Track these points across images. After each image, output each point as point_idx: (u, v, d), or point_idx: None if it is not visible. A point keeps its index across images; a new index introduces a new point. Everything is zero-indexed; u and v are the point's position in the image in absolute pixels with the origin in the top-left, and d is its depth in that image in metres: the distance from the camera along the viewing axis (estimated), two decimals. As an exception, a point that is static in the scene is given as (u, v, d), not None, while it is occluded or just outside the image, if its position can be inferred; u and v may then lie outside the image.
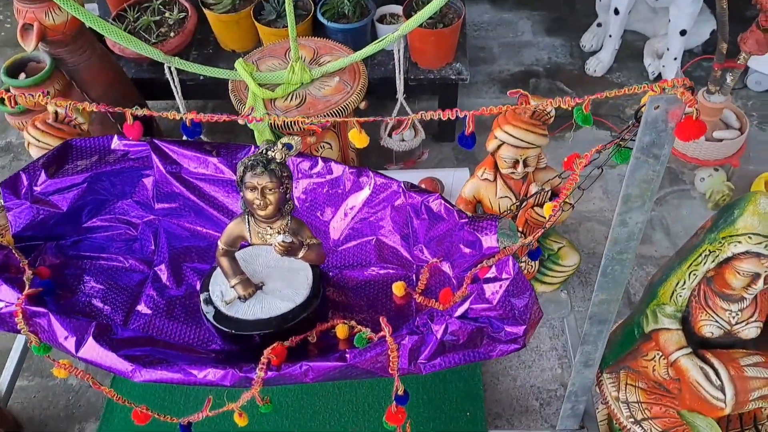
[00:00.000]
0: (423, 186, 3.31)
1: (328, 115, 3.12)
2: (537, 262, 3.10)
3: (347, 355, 1.86)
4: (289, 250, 1.97)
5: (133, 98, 3.74)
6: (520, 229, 2.86)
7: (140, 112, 1.85)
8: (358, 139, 1.85)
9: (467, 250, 2.11)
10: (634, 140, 1.53)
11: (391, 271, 2.33)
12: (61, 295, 2.24)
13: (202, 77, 3.29)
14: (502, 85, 4.51)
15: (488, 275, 1.93)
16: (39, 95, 1.97)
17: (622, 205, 1.64)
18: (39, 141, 2.72)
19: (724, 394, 2.08)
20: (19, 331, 1.99)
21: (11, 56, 3.39)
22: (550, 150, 3.74)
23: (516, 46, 4.79)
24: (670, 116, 1.43)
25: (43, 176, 2.36)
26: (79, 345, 1.92)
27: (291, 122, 2.05)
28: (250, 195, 1.90)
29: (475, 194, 2.92)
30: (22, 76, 3.31)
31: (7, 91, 3.20)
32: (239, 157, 2.40)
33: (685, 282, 2.10)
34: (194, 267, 2.39)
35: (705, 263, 2.03)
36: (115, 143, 2.45)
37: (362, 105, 3.30)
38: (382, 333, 1.91)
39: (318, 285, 2.19)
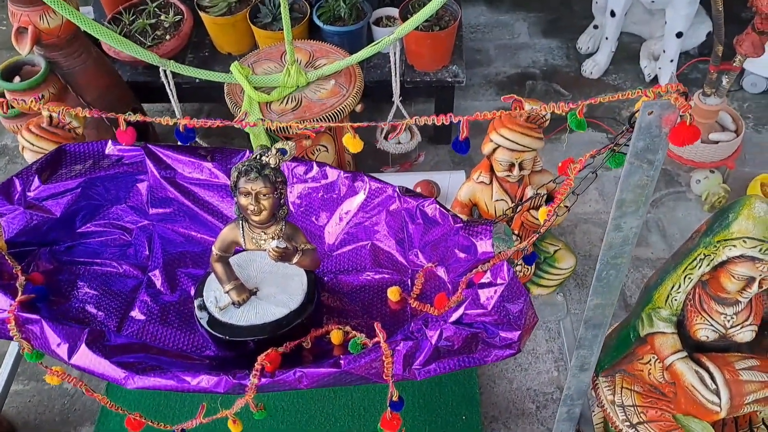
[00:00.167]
0: (419, 189, 3.32)
1: (324, 118, 3.11)
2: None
3: (341, 362, 1.85)
4: (284, 256, 1.96)
5: (128, 101, 3.74)
6: (516, 232, 2.86)
7: (133, 117, 1.84)
8: (352, 144, 1.85)
9: (462, 255, 2.11)
10: (628, 145, 1.53)
11: (386, 276, 2.32)
12: (55, 301, 2.23)
13: (197, 80, 3.28)
14: (499, 87, 4.50)
15: (483, 280, 1.93)
16: (32, 101, 1.96)
17: (616, 210, 1.63)
18: (33, 145, 2.71)
19: (720, 398, 2.08)
20: (11, 338, 1.98)
21: (6, 59, 3.39)
22: (545, 152, 3.74)
23: (512, 48, 4.79)
24: (664, 121, 1.42)
25: (36, 182, 2.36)
26: (71, 352, 1.91)
27: (285, 126, 2.04)
28: (244, 200, 1.90)
29: (471, 197, 2.91)
30: (17, 79, 3.30)
31: (2, 95, 3.21)
32: (234, 162, 2.40)
33: (680, 286, 2.09)
34: (188, 272, 2.39)
35: (700, 267, 2.02)
36: (110, 148, 2.45)
37: (358, 108, 3.30)
38: (376, 339, 1.90)
39: (313, 290, 2.18)
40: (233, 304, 2.12)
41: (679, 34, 3.99)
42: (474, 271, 1.97)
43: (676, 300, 2.12)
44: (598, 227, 3.68)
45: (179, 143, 2.07)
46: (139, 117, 1.85)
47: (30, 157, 2.72)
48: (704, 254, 2.00)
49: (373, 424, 2.86)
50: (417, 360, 1.88)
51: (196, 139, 3.46)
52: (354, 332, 2.08)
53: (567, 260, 3.03)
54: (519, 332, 1.87)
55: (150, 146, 2.42)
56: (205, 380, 1.86)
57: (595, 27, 4.60)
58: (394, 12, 3.85)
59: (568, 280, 3.21)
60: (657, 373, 2.27)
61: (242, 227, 2.00)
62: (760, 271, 1.95)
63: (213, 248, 2.08)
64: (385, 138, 3.63)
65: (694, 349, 2.19)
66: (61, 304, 2.24)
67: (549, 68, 4.62)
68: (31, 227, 2.34)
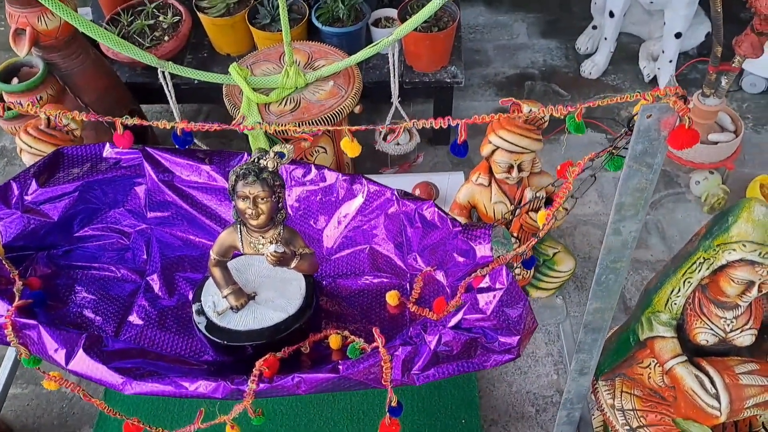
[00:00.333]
0: (418, 190, 3.31)
1: (323, 120, 3.11)
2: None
3: (340, 367, 1.84)
4: (282, 260, 1.96)
5: (127, 103, 3.73)
6: (515, 234, 2.85)
7: (131, 121, 1.83)
8: (350, 148, 1.84)
9: (461, 259, 2.10)
10: (627, 148, 1.52)
11: (384, 280, 2.31)
12: (52, 305, 2.22)
13: (196, 81, 3.27)
14: (498, 87, 4.49)
15: (482, 285, 1.92)
16: (29, 104, 1.96)
17: (615, 214, 1.63)
18: (31, 147, 2.71)
19: (719, 402, 2.07)
20: (8, 344, 1.97)
21: (4, 61, 3.38)
22: (544, 153, 3.72)
23: (511, 49, 4.78)
24: (663, 125, 1.41)
25: (34, 185, 2.34)
26: (69, 357, 1.90)
27: (283, 128, 2.03)
28: (242, 204, 1.89)
29: (470, 199, 2.90)
30: (15, 81, 3.29)
31: (0, 97, 3.20)
32: (232, 165, 2.39)
33: (679, 289, 2.08)
34: (187, 276, 2.37)
35: (699, 271, 2.01)
36: (107, 151, 2.44)
37: (357, 109, 3.29)
38: (375, 344, 1.90)
39: (311, 295, 2.17)
40: (231, 308, 2.11)
41: (678, 35, 3.99)
42: (473, 275, 1.96)
43: (675, 304, 2.11)
44: (597, 229, 3.67)
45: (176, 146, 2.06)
46: (136, 120, 1.84)
47: (28, 160, 2.71)
48: (704, 258, 1.99)
49: (372, 427, 2.86)
50: (416, 365, 1.87)
51: (195, 141, 3.45)
52: (352, 337, 2.07)
53: (566, 263, 3.02)
54: (518, 337, 1.86)
55: (148, 149, 2.41)
56: (202, 386, 1.85)
57: (594, 27, 4.59)
58: (392, 13, 3.84)
59: (568, 282, 3.20)
60: (657, 377, 2.26)
61: (240, 231, 1.99)
62: (760, 275, 1.94)
63: (211, 252, 2.07)
64: (384, 139, 3.62)
65: (693, 353, 2.18)
66: (59, 309, 2.23)
67: (548, 69, 4.61)
68: (28, 231, 2.33)
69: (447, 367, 1.89)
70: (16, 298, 2.02)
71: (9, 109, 2.05)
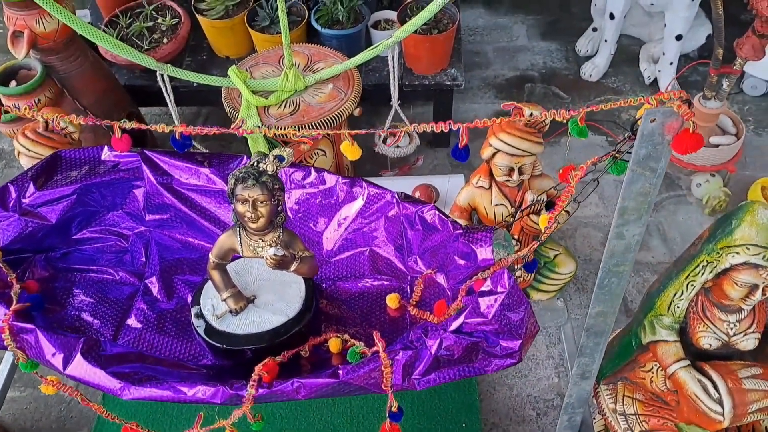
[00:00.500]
0: (418, 193, 3.30)
1: (322, 122, 3.09)
2: (533, 271, 3.08)
3: (340, 372, 1.83)
4: (281, 264, 1.94)
5: (125, 105, 3.72)
6: (516, 237, 2.83)
7: (128, 125, 1.82)
8: (350, 151, 1.83)
9: (462, 262, 2.08)
10: (630, 153, 1.51)
11: (385, 282, 2.30)
12: (50, 309, 2.21)
13: (195, 84, 3.26)
14: (498, 90, 4.48)
15: (483, 288, 1.90)
16: (25, 107, 1.94)
17: (618, 218, 1.61)
18: (29, 150, 2.70)
19: (723, 407, 2.06)
20: (6, 348, 1.96)
21: (2, 64, 3.36)
22: (545, 156, 3.71)
23: (511, 51, 4.77)
24: (667, 129, 1.40)
25: (31, 188, 2.33)
26: (66, 362, 1.89)
27: (282, 132, 2.02)
28: (241, 208, 1.87)
29: (470, 202, 2.89)
30: (13, 83, 3.28)
31: (-2, 101, 3.19)
32: (231, 168, 2.37)
33: (682, 293, 2.07)
34: (186, 279, 2.36)
35: (703, 274, 2.00)
36: (106, 154, 2.43)
37: (356, 112, 3.28)
38: (375, 348, 1.88)
39: (311, 298, 2.16)
40: (230, 312, 2.10)
41: (678, 37, 3.97)
42: (474, 278, 1.95)
43: (678, 307, 2.10)
44: (598, 231, 3.66)
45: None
46: (134, 124, 1.82)
47: (26, 163, 2.70)
48: (707, 261, 1.98)
49: (373, 431, 2.84)
50: (416, 370, 1.86)
51: (194, 144, 3.44)
52: (353, 340, 2.06)
53: (567, 265, 3.01)
54: (520, 341, 1.85)
55: (146, 152, 2.40)
56: (201, 391, 1.84)
57: (594, 29, 4.57)
58: (392, 15, 3.83)
59: (569, 285, 3.19)
60: (659, 381, 2.25)
61: (239, 234, 1.98)
62: (764, 278, 1.93)
63: (210, 255, 2.06)
64: (384, 142, 3.61)
65: (696, 356, 2.17)
66: (57, 312, 2.22)
67: (548, 71, 4.59)
68: (26, 234, 2.32)
69: (448, 372, 1.88)
70: (14, 302, 2.01)
71: (6, 112, 2.04)
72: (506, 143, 2.61)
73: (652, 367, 2.26)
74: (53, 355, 1.90)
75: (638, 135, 1.42)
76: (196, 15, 3.82)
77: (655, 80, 4.30)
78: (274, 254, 1.91)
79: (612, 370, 2.39)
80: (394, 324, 2.20)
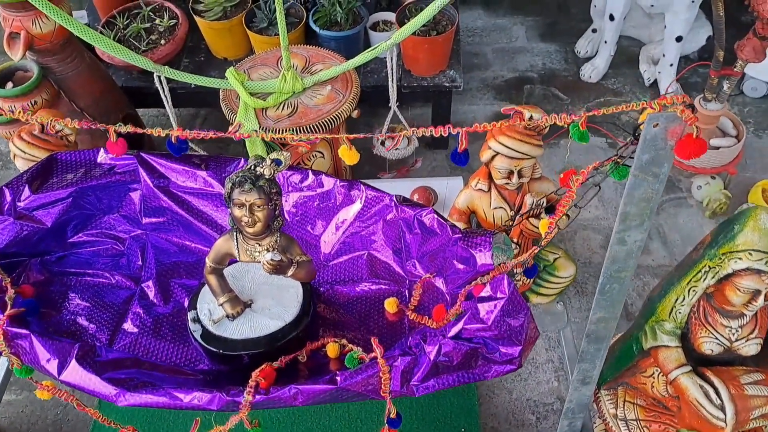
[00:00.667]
0: (416, 195, 3.28)
1: (320, 124, 3.07)
2: (532, 275, 3.06)
3: (337, 378, 1.81)
4: (278, 269, 1.92)
5: (122, 107, 3.69)
6: (515, 240, 2.82)
7: (124, 128, 1.80)
8: (348, 156, 1.81)
9: (461, 266, 2.07)
10: (632, 157, 1.49)
11: (383, 286, 2.28)
12: (45, 313, 2.19)
13: (193, 85, 3.24)
14: (496, 91, 4.46)
15: (483, 294, 1.89)
16: (19, 111, 1.92)
17: (620, 224, 1.59)
18: (25, 153, 2.68)
19: (725, 413, 2.04)
20: (0, 354, 1.94)
21: (-2, 65, 3.35)
22: (544, 158, 3.70)
23: (510, 52, 4.75)
24: (670, 134, 1.38)
25: (26, 191, 2.31)
26: (61, 368, 1.87)
27: (280, 136, 2.00)
28: (238, 212, 1.86)
29: (469, 205, 2.87)
30: (10, 85, 3.26)
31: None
32: (228, 171, 2.36)
33: (684, 298, 2.05)
34: (182, 283, 2.34)
35: (705, 279, 1.99)
36: (102, 157, 2.41)
37: (354, 114, 3.25)
38: (373, 354, 1.86)
39: (308, 302, 2.14)
40: (227, 316, 2.08)
41: (678, 39, 3.96)
42: (473, 283, 1.93)
43: (680, 313, 2.08)
44: (598, 234, 3.64)
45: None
46: (130, 128, 1.80)
47: (21, 165, 2.68)
48: (709, 266, 1.97)
49: (371, 436, 2.83)
50: (415, 376, 1.84)
51: (191, 146, 3.42)
52: (350, 345, 2.04)
53: (567, 269, 2.99)
54: (520, 348, 1.83)
55: (143, 155, 2.38)
56: (197, 397, 1.82)
57: (594, 31, 4.56)
58: (390, 16, 3.81)
59: (568, 288, 3.17)
60: (660, 387, 2.23)
61: (236, 239, 1.96)
62: (766, 284, 1.92)
63: (207, 260, 2.04)
64: (382, 144, 3.59)
65: (697, 362, 2.16)
66: (52, 317, 2.20)
67: (547, 72, 4.57)
68: (21, 238, 2.30)
69: (447, 378, 1.86)
70: (8, 307, 2.00)
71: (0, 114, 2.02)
72: (505, 146, 2.59)
73: (654, 373, 2.25)
74: (48, 360, 1.89)
75: (641, 140, 1.41)
76: (194, 16, 3.80)
77: (655, 82, 4.28)
78: (271, 259, 1.90)
79: (613, 375, 2.38)
80: (392, 328, 2.18)
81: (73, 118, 3.20)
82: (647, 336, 2.16)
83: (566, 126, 1.52)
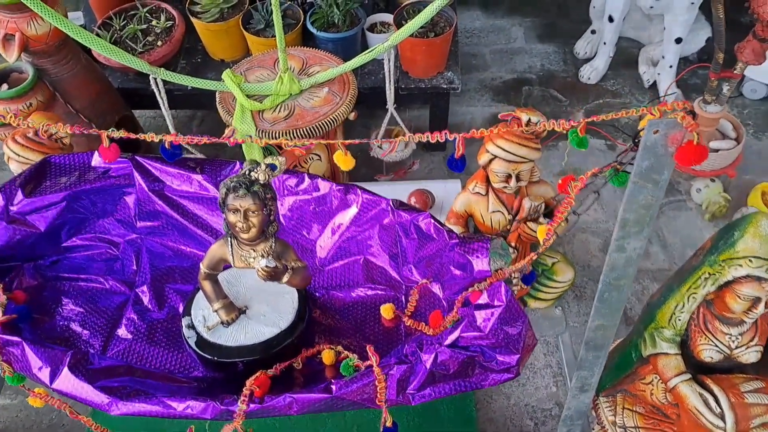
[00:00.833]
0: (413, 198, 3.26)
1: (317, 127, 3.05)
2: (530, 278, 3.04)
3: (333, 387, 1.79)
4: (273, 275, 1.90)
5: (119, 109, 3.67)
6: (513, 244, 2.79)
7: (117, 134, 1.77)
8: (343, 161, 1.79)
9: (458, 272, 2.05)
10: (631, 164, 1.47)
11: (379, 292, 2.27)
12: (38, 319, 2.17)
13: (189, 87, 3.21)
14: (495, 92, 4.44)
15: (480, 301, 1.87)
16: (11, 116, 1.90)
17: (619, 231, 1.57)
18: (19, 156, 2.66)
19: (725, 422, 2.02)
20: (-8, 361, 1.93)
21: (-7, 67, 3.32)
22: (542, 160, 3.67)
23: (508, 53, 4.72)
24: (670, 141, 1.36)
25: (19, 195, 2.29)
26: (53, 376, 1.86)
27: (275, 142, 1.98)
28: (232, 217, 1.84)
29: (467, 208, 2.84)
30: (4, 87, 3.23)
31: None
32: (224, 174, 2.34)
33: (684, 305, 2.03)
34: (177, 288, 2.33)
35: (704, 286, 1.96)
36: (96, 160, 2.39)
37: (352, 116, 3.23)
38: (369, 362, 1.84)
39: (304, 308, 2.12)
40: (222, 323, 2.06)
41: (678, 40, 3.93)
42: (470, 289, 1.91)
43: (679, 320, 2.06)
44: (596, 237, 3.61)
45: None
46: (123, 133, 1.78)
47: (16, 168, 2.65)
48: (709, 273, 1.94)
49: (368, 442, 2.80)
50: (411, 384, 1.83)
51: (188, 148, 3.39)
52: (346, 352, 2.02)
53: (566, 273, 2.97)
54: (518, 356, 1.82)
55: (138, 158, 2.36)
56: (191, 406, 1.80)
57: (593, 32, 4.53)
58: (388, 18, 3.78)
59: (567, 292, 3.15)
60: (659, 394, 2.21)
61: (231, 244, 1.94)
62: (766, 291, 1.89)
63: (201, 265, 2.02)
64: (380, 146, 3.57)
65: (697, 369, 2.13)
66: (45, 323, 2.18)
67: (546, 73, 4.55)
68: (14, 242, 2.28)
69: (443, 387, 1.84)
70: (0, 314, 1.97)
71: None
72: (503, 149, 2.57)
73: (653, 380, 2.23)
74: (40, 368, 1.87)
75: (641, 146, 1.39)
76: (191, 17, 3.78)
77: (655, 83, 4.26)
78: (266, 266, 1.87)
79: (611, 382, 2.36)
80: (388, 335, 2.17)
81: (68, 120, 3.23)
82: (646, 343, 2.14)
83: (565, 131, 1.50)
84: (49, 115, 2.97)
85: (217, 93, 3.26)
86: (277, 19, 2.91)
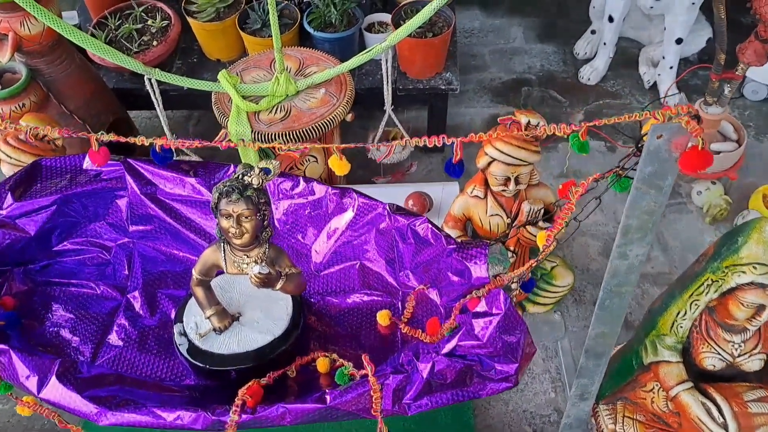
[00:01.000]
0: (411, 201, 3.22)
1: (314, 128, 3.01)
2: (529, 282, 3.00)
3: (327, 397, 1.76)
4: (266, 282, 1.86)
5: (114, 109, 3.63)
6: (512, 248, 2.76)
7: (106, 137, 1.73)
8: (338, 166, 1.75)
9: (455, 279, 2.01)
10: (634, 169, 1.43)
11: (375, 297, 2.23)
12: (28, 325, 2.13)
13: (185, 87, 3.17)
14: (494, 93, 4.40)
15: (478, 309, 1.83)
16: (-2, 118, 1.86)
17: (621, 237, 1.54)
18: (11, 158, 2.63)
19: (728, 432, 1.99)
20: (-21, 370, 1.89)
21: (-15, 67, 3.28)
22: (541, 162, 3.64)
23: (507, 54, 4.68)
24: (674, 146, 1.32)
25: (9, 199, 2.25)
26: (41, 385, 1.82)
27: (268, 145, 1.94)
28: (225, 223, 1.80)
29: (465, 212, 2.81)
30: (-3, 87, 3.20)
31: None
32: (218, 177, 2.30)
33: (686, 312, 2.00)
34: (169, 293, 2.29)
35: (707, 293, 1.93)
36: (87, 163, 2.35)
37: (349, 117, 3.19)
38: (364, 371, 1.81)
39: (298, 315, 2.08)
40: (214, 330, 2.02)
41: (678, 41, 3.90)
42: (468, 296, 1.87)
43: (681, 327, 2.02)
44: (596, 240, 3.57)
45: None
46: (112, 137, 1.74)
47: (7, 170, 2.62)
48: (712, 280, 1.91)
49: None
50: (408, 394, 1.79)
51: (183, 150, 3.35)
52: (341, 360, 1.98)
53: (565, 277, 2.93)
54: (516, 365, 1.78)
55: (130, 161, 2.32)
56: (181, 416, 1.77)
57: (593, 32, 4.50)
58: (386, 18, 3.75)
59: (566, 296, 3.11)
60: (660, 402, 2.18)
61: (224, 250, 1.90)
62: (771, 299, 1.86)
63: (193, 271, 1.98)
64: (377, 149, 3.53)
65: (699, 376, 2.10)
66: (35, 329, 2.14)
67: (545, 74, 4.51)
68: (3, 246, 2.25)
69: (440, 397, 1.81)
70: (-13, 320, 1.94)
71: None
72: (502, 152, 2.53)
73: (653, 387, 2.19)
74: (27, 377, 1.83)
75: (644, 151, 1.35)
76: (187, 17, 3.74)
77: (655, 84, 4.23)
78: (259, 272, 1.83)
79: (611, 390, 2.32)
80: (384, 342, 2.13)
81: (62, 121, 3.18)
82: (647, 350, 2.11)
83: (566, 135, 1.46)
84: (41, 116, 2.93)
85: (212, 93, 3.22)
86: (273, 18, 2.88)
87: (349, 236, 2.27)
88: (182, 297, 2.20)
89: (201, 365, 1.99)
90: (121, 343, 2.14)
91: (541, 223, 2.60)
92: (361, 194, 2.23)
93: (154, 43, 3.69)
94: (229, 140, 1.95)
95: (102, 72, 3.73)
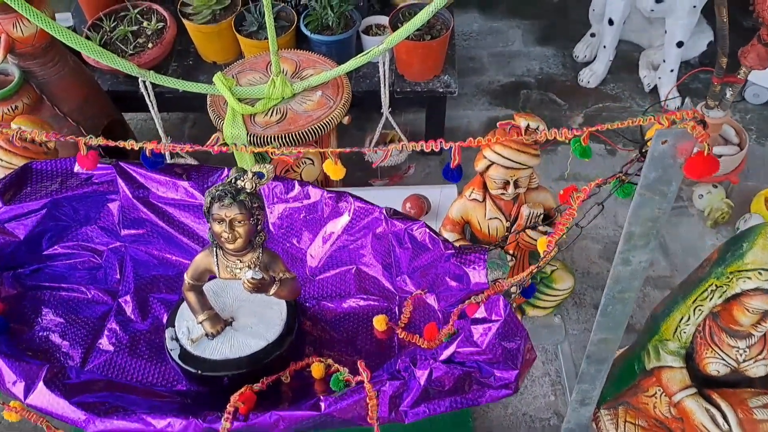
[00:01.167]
0: (409, 204, 3.18)
1: (310, 131, 2.97)
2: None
3: (322, 404, 1.72)
4: (260, 287, 1.82)
5: (108, 112, 3.60)
6: (511, 252, 2.72)
7: (95, 141, 1.70)
8: (333, 170, 1.71)
9: (453, 284, 1.97)
10: (638, 174, 1.39)
11: (372, 302, 2.19)
12: (17, 329, 2.09)
13: (181, 90, 3.14)
14: (492, 96, 4.37)
15: (477, 315, 1.79)
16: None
17: (624, 243, 1.50)
18: (2, 160, 2.62)
19: (732, 439, 1.95)
20: (-35, 375, 1.84)
21: (-23, 69, 3.24)
22: (541, 165, 3.59)
23: (506, 56, 4.65)
24: (679, 151, 1.28)
25: (-2, 203, 2.22)
26: (28, 391, 1.79)
27: (262, 150, 1.90)
28: (217, 227, 1.76)
29: (463, 215, 2.77)
30: (-11, 89, 3.16)
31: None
32: (211, 181, 2.26)
33: (689, 318, 1.96)
34: (162, 298, 2.25)
35: (711, 299, 1.90)
36: (78, 166, 2.30)
37: (345, 120, 3.16)
38: (360, 378, 1.76)
39: (292, 320, 2.04)
40: (207, 335, 1.98)
41: (679, 44, 3.87)
42: (467, 302, 1.83)
43: (685, 332, 1.99)
44: (596, 243, 3.54)
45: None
46: (101, 141, 1.70)
47: (-1, 173, 2.59)
48: (716, 285, 1.87)
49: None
50: (405, 401, 1.76)
51: (178, 152, 3.31)
52: (336, 366, 1.94)
53: (565, 281, 2.90)
54: (516, 372, 1.74)
55: (121, 164, 2.28)
56: (172, 423, 1.73)
57: (593, 35, 4.47)
58: (383, 20, 3.71)
59: (566, 299, 3.08)
60: (663, 408, 2.14)
61: (216, 254, 1.86)
62: (776, 304, 1.82)
63: (185, 276, 1.94)
64: (375, 152, 3.49)
65: (702, 382, 2.07)
66: (24, 334, 2.10)
67: (544, 77, 4.48)
68: (-8, 251, 2.20)
69: (439, 404, 1.77)
70: (-26, 326, 1.90)
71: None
72: (501, 155, 2.49)
73: (656, 392, 2.16)
74: (14, 383, 1.80)
75: (648, 157, 1.31)
76: (182, 19, 3.70)
77: (655, 87, 4.20)
78: (252, 278, 1.79)
79: (613, 394, 2.29)
80: (380, 348, 2.09)
81: (56, 124, 3.15)
82: (650, 355, 2.07)
83: (567, 140, 1.42)
84: (33, 118, 2.89)
85: (208, 96, 3.18)
86: (269, 21, 2.84)
87: (345, 240, 2.23)
88: (174, 301, 2.16)
89: (193, 371, 1.94)
90: (111, 348, 2.10)
91: (540, 227, 2.57)
92: (357, 198, 2.20)
93: (150, 45, 3.66)
94: (222, 144, 1.91)
95: (97, 74, 3.70)
